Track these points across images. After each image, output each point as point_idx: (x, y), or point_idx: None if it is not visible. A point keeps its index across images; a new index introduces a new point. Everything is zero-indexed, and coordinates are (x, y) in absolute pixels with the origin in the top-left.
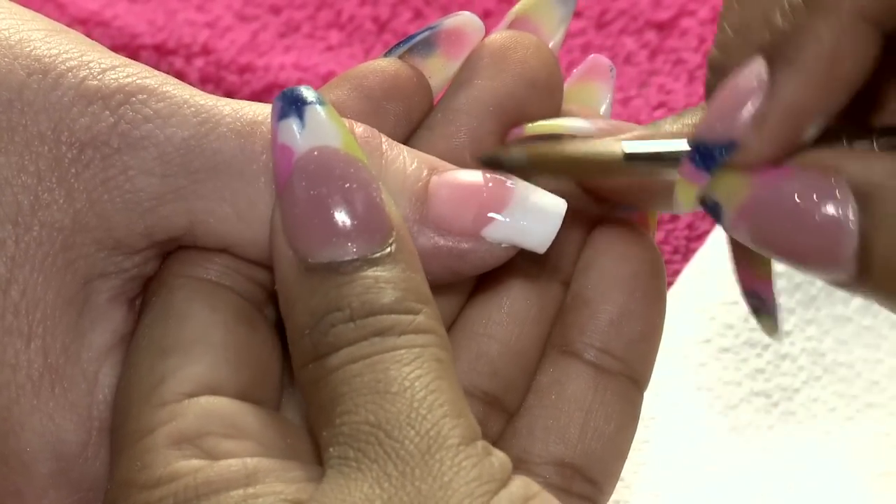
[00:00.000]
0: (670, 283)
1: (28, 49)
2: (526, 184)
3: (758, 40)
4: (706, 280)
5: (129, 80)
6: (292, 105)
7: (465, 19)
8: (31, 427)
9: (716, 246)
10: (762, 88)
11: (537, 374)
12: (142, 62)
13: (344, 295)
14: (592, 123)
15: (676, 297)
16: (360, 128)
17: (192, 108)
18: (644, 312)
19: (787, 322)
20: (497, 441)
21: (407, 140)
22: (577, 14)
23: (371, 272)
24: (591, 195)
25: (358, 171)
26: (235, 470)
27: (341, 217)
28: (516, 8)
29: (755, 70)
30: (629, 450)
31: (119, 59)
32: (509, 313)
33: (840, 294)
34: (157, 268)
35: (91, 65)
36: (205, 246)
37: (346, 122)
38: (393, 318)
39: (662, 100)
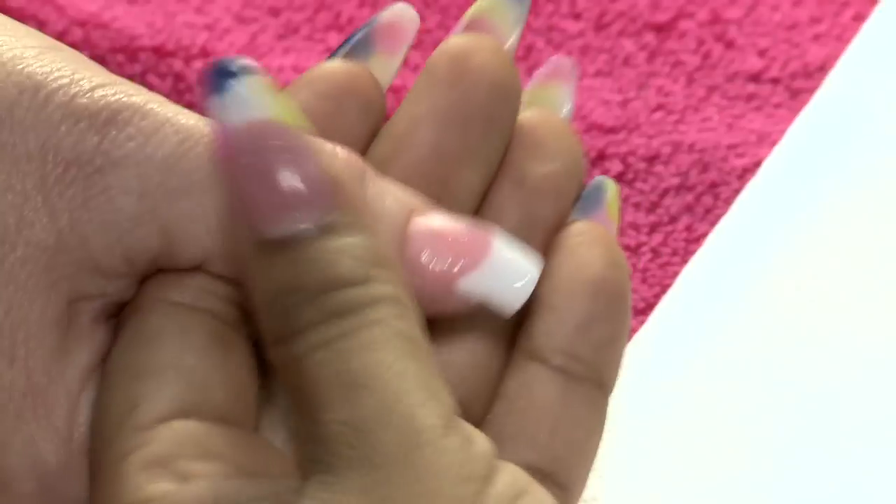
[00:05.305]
0: (668, 286)
1: (20, 66)
2: (503, 241)
3: None
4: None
5: (116, 97)
6: (214, 83)
7: (399, 12)
8: (12, 448)
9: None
10: None
11: (505, 381)
12: (141, 64)
13: (298, 271)
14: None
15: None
16: (342, 155)
17: (174, 127)
18: (610, 317)
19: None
20: None
21: (369, 141)
22: (576, 16)
23: (321, 243)
24: None
25: (291, 140)
26: (203, 490)
27: (281, 188)
28: (471, 10)
29: None
30: (596, 455)
31: (110, 77)
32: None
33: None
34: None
35: (82, 82)
36: (182, 265)
37: (330, 146)
38: (350, 292)
39: (661, 102)
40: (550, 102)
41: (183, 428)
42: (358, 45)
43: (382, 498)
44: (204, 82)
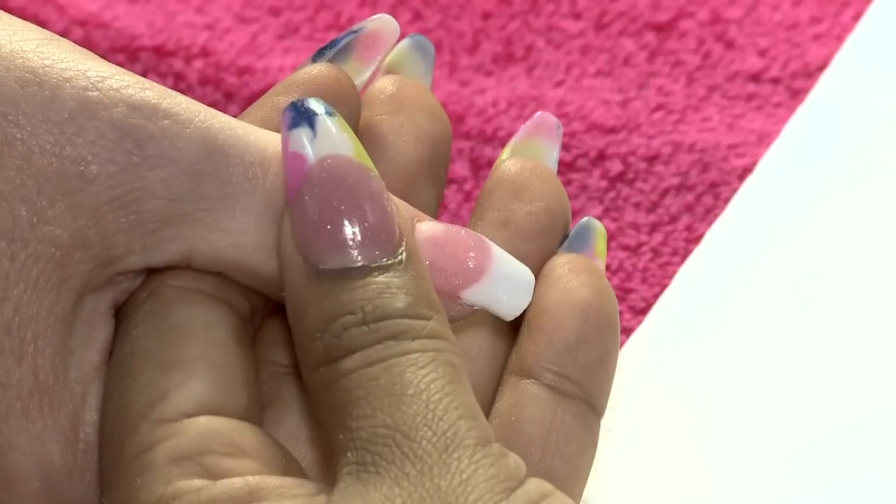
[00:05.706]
0: (668, 286)
1: (20, 61)
2: (501, 250)
3: None
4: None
5: (129, 91)
6: (304, 115)
7: (384, 23)
8: (18, 447)
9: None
10: None
11: (497, 400)
12: (141, 64)
13: (356, 299)
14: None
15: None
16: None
17: (199, 131)
18: (598, 340)
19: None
20: None
21: None
22: (576, 16)
23: (383, 278)
24: None
25: (369, 181)
26: (239, 488)
27: (353, 225)
28: (386, 63)
29: None
30: (589, 472)
31: (115, 68)
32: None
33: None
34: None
35: (89, 73)
36: (199, 269)
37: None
38: (406, 322)
39: (661, 101)
40: (535, 154)
41: (211, 423)
42: (342, 49)
43: (415, 486)
44: (287, 116)
